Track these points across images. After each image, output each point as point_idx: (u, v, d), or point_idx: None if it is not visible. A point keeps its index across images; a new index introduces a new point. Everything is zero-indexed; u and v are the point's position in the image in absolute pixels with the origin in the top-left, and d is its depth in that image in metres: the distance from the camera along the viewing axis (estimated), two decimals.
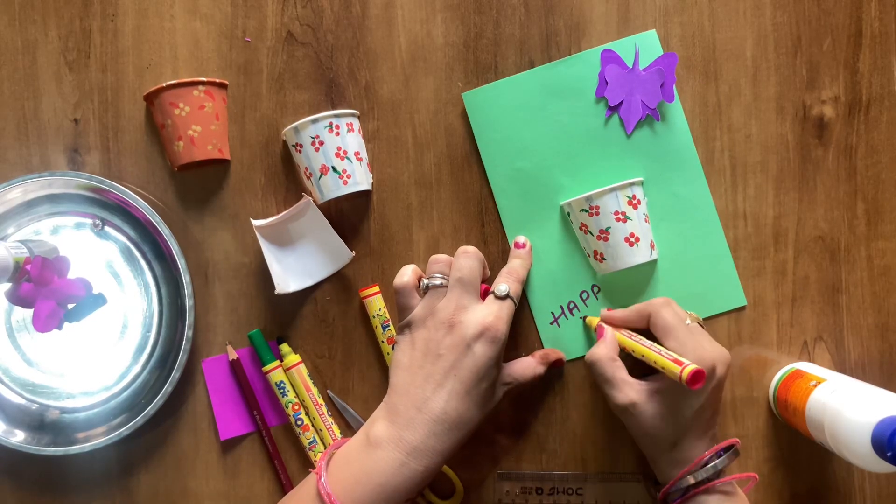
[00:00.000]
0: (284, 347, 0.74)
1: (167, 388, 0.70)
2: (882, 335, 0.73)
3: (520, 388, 0.70)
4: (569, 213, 0.72)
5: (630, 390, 0.64)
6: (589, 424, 0.74)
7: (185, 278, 0.70)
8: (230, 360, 0.74)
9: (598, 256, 0.71)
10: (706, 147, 0.73)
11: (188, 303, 0.70)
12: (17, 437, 0.72)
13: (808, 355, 0.73)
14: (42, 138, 0.75)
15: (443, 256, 0.67)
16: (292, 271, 0.73)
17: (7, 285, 0.67)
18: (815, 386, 0.65)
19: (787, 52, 0.73)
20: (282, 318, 0.75)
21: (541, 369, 0.70)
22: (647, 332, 0.68)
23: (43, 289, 0.68)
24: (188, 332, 0.70)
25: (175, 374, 0.70)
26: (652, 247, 0.71)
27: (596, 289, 0.74)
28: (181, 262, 0.70)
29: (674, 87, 0.72)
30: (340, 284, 0.75)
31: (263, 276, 0.74)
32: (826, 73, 0.73)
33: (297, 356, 0.74)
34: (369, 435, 0.62)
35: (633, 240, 0.69)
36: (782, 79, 0.73)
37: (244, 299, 0.75)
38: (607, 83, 0.72)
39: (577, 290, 0.74)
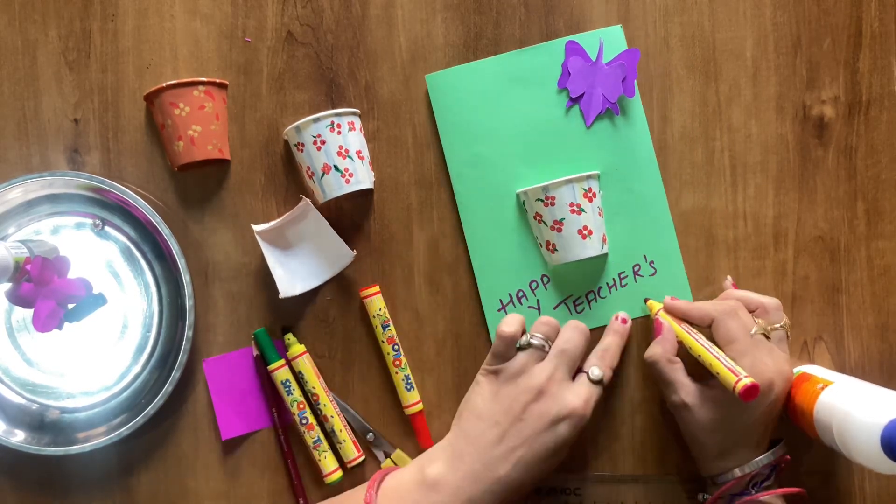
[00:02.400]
0: (289, 338, 0.74)
1: (167, 387, 0.70)
2: (882, 335, 0.73)
3: None
4: (524, 202, 0.73)
5: (685, 393, 0.65)
6: (589, 424, 0.74)
7: (186, 278, 0.70)
8: (254, 355, 0.74)
9: (550, 247, 0.71)
10: (706, 147, 0.73)
11: (188, 303, 0.70)
12: (17, 437, 0.72)
13: (809, 355, 0.73)
14: (42, 138, 0.75)
15: (550, 320, 0.67)
16: (295, 274, 0.73)
17: (7, 285, 0.67)
18: (823, 389, 0.65)
19: (787, 52, 0.73)
20: (282, 317, 0.75)
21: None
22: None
23: (43, 289, 0.68)
24: (188, 332, 0.70)
25: (175, 374, 0.70)
26: (604, 241, 0.71)
27: (546, 279, 0.74)
28: (181, 262, 0.70)
29: (635, 82, 0.72)
30: (341, 284, 0.75)
31: (263, 276, 0.74)
32: (826, 73, 0.73)
33: (303, 346, 0.74)
34: (426, 474, 0.62)
35: (585, 232, 0.69)
36: (782, 79, 0.73)
37: (244, 299, 0.75)
38: (570, 74, 0.73)
39: (527, 280, 0.74)
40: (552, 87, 0.73)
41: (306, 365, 0.73)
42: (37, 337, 0.74)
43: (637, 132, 0.73)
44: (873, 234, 0.73)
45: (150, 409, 0.70)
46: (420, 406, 0.73)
